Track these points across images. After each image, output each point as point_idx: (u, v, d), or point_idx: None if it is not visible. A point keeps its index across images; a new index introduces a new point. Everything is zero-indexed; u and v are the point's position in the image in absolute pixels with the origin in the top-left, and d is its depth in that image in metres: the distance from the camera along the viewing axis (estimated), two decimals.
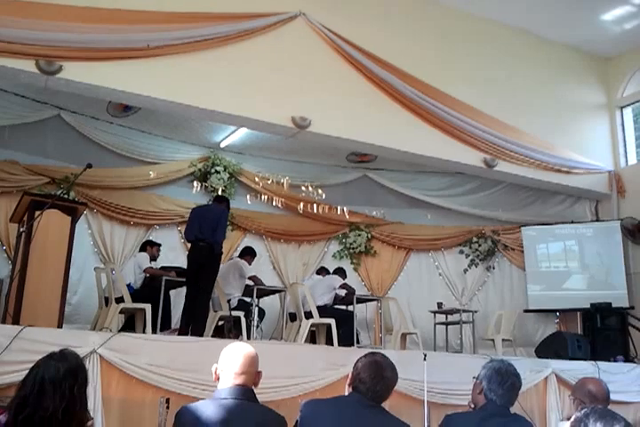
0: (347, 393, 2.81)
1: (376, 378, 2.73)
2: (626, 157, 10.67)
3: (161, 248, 8.12)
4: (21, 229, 5.57)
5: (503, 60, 9.61)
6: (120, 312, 6.98)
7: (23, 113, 8.42)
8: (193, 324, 6.51)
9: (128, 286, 7.23)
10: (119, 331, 5.80)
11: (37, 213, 5.34)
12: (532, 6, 9.35)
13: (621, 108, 10.90)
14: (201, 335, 6.29)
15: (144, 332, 6.58)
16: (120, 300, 6.84)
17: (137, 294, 7.12)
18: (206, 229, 6.80)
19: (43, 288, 5.31)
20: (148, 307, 6.75)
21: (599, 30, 10.09)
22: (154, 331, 6.66)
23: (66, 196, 7.99)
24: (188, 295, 6.81)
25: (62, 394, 2.33)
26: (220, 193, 9.76)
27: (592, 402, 3.38)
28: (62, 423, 2.30)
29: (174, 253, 8.89)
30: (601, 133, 10.67)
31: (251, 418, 2.63)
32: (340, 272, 8.80)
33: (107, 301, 7.08)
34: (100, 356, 4.64)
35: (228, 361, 2.71)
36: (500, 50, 9.64)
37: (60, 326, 5.29)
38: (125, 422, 4.66)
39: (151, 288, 7.33)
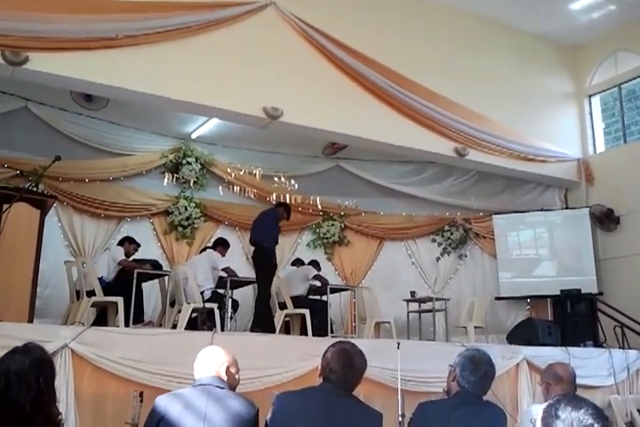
0: (318, 384, 2.83)
1: (346, 367, 2.76)
2: (594, 146, 10.83)
3: (138, 249, 8.03)
4: None
5: (474, 49, 9.66)
6: (92, 306, 6.92)
7: None
8: (254, 324, 7.07)
9: (100, 279, 7.16)
10: (91, 325, 5.75)
11: (5, 206, 5.26)
12: None
13: (589, 96, 11.04)
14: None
15: (116, 325, 6.53)
16: (92, 293, 6.77)
17: (109, 288, 7.05)
18: (256, 231, 7.57)
19: (12, 283, 5.25)
20: (120, 300, 6.68)
21: (567, 19, 10.19)
22: (126, 324, 6.61)
23: (34, 189, 7.86)
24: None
25: (29, 386, 2.32)
26: (192, 184, 9.75)
27: (557, 384, 3.44)
28: (31, 416, 2.29)
29: (146, 245, 8.78)
30: (570, 122, 10.80)
31: (225, 406, 2.68)
32: (315, 265, 8.81)
33: (78, 294, 7.01)
34: (72, 350, 4.60)
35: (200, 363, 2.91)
36: (470, 39, 9.69)
37: (30, 320, 5.23)
38: (98, 416, 4.63)
39: (123, 281, 7.26)
